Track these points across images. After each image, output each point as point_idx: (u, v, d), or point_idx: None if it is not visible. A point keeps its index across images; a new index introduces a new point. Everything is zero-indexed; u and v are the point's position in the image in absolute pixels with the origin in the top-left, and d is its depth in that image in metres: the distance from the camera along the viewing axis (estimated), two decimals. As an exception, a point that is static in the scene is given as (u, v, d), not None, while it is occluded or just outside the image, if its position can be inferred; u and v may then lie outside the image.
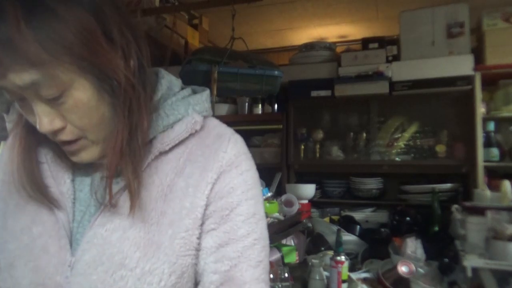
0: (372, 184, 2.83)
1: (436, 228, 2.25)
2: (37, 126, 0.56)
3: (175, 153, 0.64)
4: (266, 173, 1.76)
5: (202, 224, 0.62)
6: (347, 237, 2.03)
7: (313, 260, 1.55)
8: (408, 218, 2.35)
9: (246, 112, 3.24)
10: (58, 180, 0.64)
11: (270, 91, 2.18)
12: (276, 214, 1.75)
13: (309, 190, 2.45)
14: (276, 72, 2.11)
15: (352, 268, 1.65)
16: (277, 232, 1.66)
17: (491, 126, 2.51)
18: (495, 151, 2.48)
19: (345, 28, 3.78)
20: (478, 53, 2.57)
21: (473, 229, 1.71)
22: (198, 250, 0.62)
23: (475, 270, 1.58)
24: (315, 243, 1.93)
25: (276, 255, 1.59)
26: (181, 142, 0.64)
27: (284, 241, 1.75)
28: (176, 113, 0.64)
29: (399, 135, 2.80)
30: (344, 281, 1.47)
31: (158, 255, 0.58)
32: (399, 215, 2.40)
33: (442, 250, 1.80)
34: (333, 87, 2.80)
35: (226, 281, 0.60)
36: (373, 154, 2.82)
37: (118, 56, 0.56)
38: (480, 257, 1.59)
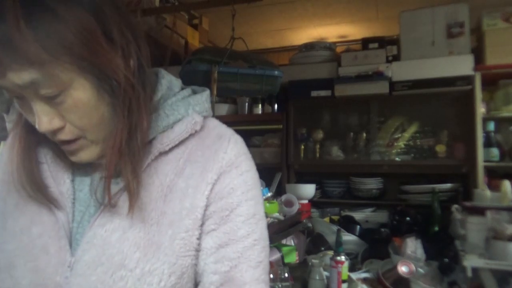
0: (372, 184, 2.83)
1: (436, 228, 2.25)
2: (36, 126, 0.56)
3: (175, 154, 0.64)
4: (266, 173, 1.76)
5: (202, 225, 0.62)
6: (347, 237, 2.03)
7: (313, 260, 1.55)
8: (408, 218, 2.35)
9: (246, 112, 3.24)
10: (58, 180, 0.64)
11: (270, 91, 2.18)
12: (276, 214, 1.75)
13: (309, 190, 2.45)
14: (276, 72, 2.11)
15: (352, 268, 1.65)
16: (277, 232, 1.66)
17: (491, 126, 2.51)
18: (495, 151, 2.48)
19: (345, 28, 3.78)
20: (478, 53, 2.57)
21: (473, 229, 1.71)
22: (198, 250, 0.62)
23: (475, 270, 1.58)
24: (315, 243, 1.93)
25: (276, 255, 1.59)
26: (181, 143, 0.64)
27: (284, 241, 1.75)
28: (176, 113, 0.64)
29: (399, 135, 2.80)
30: (344, 281, 1.47)
31: (158, 255, 0.58)
32: (399, 215, 2.40)
33: (442, 250, 1.80)
34: (333, 87, 2.80)
35: (226, 282, 0.60)
36: (373, 154, 2.82)
37: (118, 56, 0.56)
38: (480, 257, 1.59)
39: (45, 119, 0.55)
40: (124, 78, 0.56)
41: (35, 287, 0.59)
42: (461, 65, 2.52)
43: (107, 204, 0.59)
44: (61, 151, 0.62)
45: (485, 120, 2.51)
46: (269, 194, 1.85)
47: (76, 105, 0.55)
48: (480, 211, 1.75)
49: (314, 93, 2.89)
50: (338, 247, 1.52)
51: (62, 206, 0.62)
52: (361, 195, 2.85)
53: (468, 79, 2.51)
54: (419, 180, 2.68)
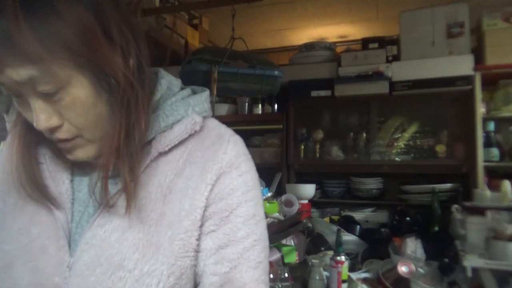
0: (372, 184, 2.83)
1: (436, 228, 2.25)
2: (34, 123, 0.55)
3: (174, 154, 0.63)
4: (266, 173, 1.76)
5: (201, 226, 0.62)
6: (347, 237, 2.03)
7: (313, 260, 1.55)
8: (408, 218, 2.35)
9: (246, 112, 3.24)
10: (57, 180, 0.64)
11: (270, 91, 2.18)
12: (276, 214, 1.75)
13: (309, 190, 2.45)
14: (276, 72, 2.11)
15: (352, 268, 1.65)
16: (277, 232, 1.66)
17: (491, 126, 2.51)
18: (495, 151, 2.48)
19: (345, 28, 3.78)
20: (478, 53, 2.57)
21: (473, 229, 1.71)
22: (197, 251, 0.62)
23: (475, 270, 1.58)
24: (315, 243, 1.93)
25: (276, 255, 1.59)
26: (180, 143, 0.64)
27: (284, 241, 1.75)
28: (176, 113, 0.64)
29: (399, 135, 2.80)
30: (344, 281, 1.47)
31: (157, 256, 0.58)
32: (399, 215, 2.40)
33: (442, 250, 1.80)
34: (333, 87, 2.80)
35: (226, 283, 0.60)
36: (373, 154, 2.82)
37: (117, 55, 0.56)
38: (480, 257, 1.59)
39: (43, 117, 0.55)
40: (123, 77, 0.56)
41: None
42: (461, 65, 2.52)
43: (105, 205, 0.59)
44: (60, 151, 0.62)
45: (485, 120, 2.51)
46: (269, 194, 1.85)
47: (74, 103, 0.55)
48: (480, 211, 1.75)
49: (314, 93, 2.89)
50: (338, 247, 1.52)
51: (61, 206, 0.62)
52: (361, 195, 2.85)
53: (468, 79, 2.51)
54: (419, 180, 2.68)
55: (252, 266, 0.62)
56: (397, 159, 2.77)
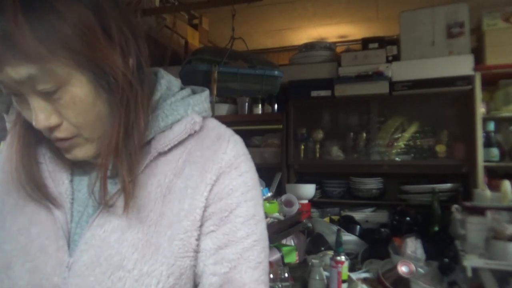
0: (372, 184, 2.83)
1: (436, 228, 2.25)
2: (33, 122, 0.55)
3: (174, 154, 0.63)
4: (266, 173, 1.76)
5: (201, 226, 0.62)
6: (347, 237, 2.03)
7: (313, 260, 1.55)
8: (408, 218, 2.35)
9: (246, 112, 3.24)
10: (56, 180, 0.63)
11: (270, 91, 2.18)
12: (276, 214, 1.75)
13: (309, 190, 2.45)
14: (276, 72, 2.11)
15: (352, 268, 1.65)
16: (277, 232, 1.66)
17: (491, 126, 2.51)
18: (495, 151, 2.48)
19: (345, 28, 3.78)
20: (478, 53, 2.57)
21: (473, 229, 1.71)
22: (196, 251, 0.62)
23: (475, 270, 1.58)
24: (315, 243, 1.93)
25: (276, 255, 1.59)
26: (180, 143, 0.63)
27: (284, 241, 1.75)
28: (176, 113, 0.64)
29: (399, 135, 2.80)
30: (344, 281, 1.47)
31: (156, 256, 0.58)
32: (399, 215, 2.40)
33: (442, 250, 1.80)
34: (333, 87, 2.79)
35: (226, 283, 0.60)
36: (373, 154, 2.82)
37: (117, 53, 0.56)
38: (480, 257, 1.59)
39: (42, 116, 0.55)
40: (122, 76, 0.56)
41: None
42: (461, 65, 2.52)
43: (105, 205, 0.59)
44: (59, 150, 0.62)
45: (485, 120, 2.51)
46: (269, 194, 1.85)
47: (74, 102, 0.55)
48: (480, 211, 1.75)
49: (314, 93, 2.89)
50: (338, 247, 1.51)
51: (60, 206, 0.62)
52: (361, 195, 2.85)
53: (468, 79, 2.51)
54: (419, 180, 2.68)
55: (252, 266, 0.62)
56: (397, 159, 2.77)
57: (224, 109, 3.26)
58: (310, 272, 1.53)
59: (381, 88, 2.67)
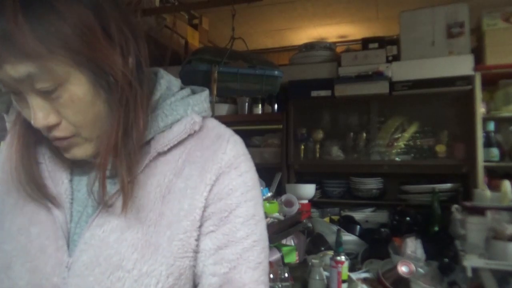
0: (372, 184, 2.83)
1: (436, 228, 2.25)
2: (32, 121, 0.55)
3: (173, 154, 0.63)
4: (266, 173, 1.76)
5: (200, 226, 0.61)
6: (347, 237, 2.03)
7: (313, 260, 1.55)
8: (408, 218, 2.35)
9: (246, 112, 3.24)
10: (56, 180, 0.63)
11: (270, 91, 2.18)
12: (276, 214, 1.75)
13: (309, 190, 2.45)
14: (276, 72, 2.11)
15: (352, 268, 1.65)
16: (277, 232, 1.66)
17: (491, 126, 2.50)
18: (495, 151, 2.48)
19: (345, 28, 3.78)
20: (478, 53, 2.57)
21: (473, 229, 1.71)
22: (196, 252, 0.61)
23: (475, 270, 1.58)
24: (315, 243, 1.93)
25: (276, 255, 1.58)
26: (179, 143, 0.63)
27: (284, 241, 1.75)
28: (175, 113, 0.64)
29: (399, 135, 2.80)
30: (344, 281, 1.47)
31: (155, 257, 0.58)
32: (399, 215, 2.40)
33: (442, 250, 1.80)
34: (333, 87, 2.80)
35: (225, 283, 0.60)
36: (373, 154, 2.82)
37: (116, 53, 0.56)
38: (480, 257, 1.59)
39: (40, 115, 0.55)
40: (121, 76, 0.56)
41: None
42: (461, 65, 2.52)
43: (104, 204, 0.59)
44: (58, 150, 0.62)
45: (485, 120, 2.51)
46: (269, 194, 1.85)
47: (72, 100, 0.55)
48: (480, 211, 1.75)
49: (314, 93, 2.89)
50: (338, 247, 1.51)
51: (60, 206, 0.62)
52: (361, 195, 2.85)
53: (468, 79, 2.51)
54: (419, 180, 2.68)
55: (252, 266, 0.62)
56: (397, 159, 2.77)
57: (224, 109, 3.26)
58: (310, 272, 1.53)
59: (381, 88, 2.67)
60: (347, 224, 2.28)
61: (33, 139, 0.64)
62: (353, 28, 3.75)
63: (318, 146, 2.97)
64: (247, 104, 3.23)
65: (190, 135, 0.64)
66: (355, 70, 2.76)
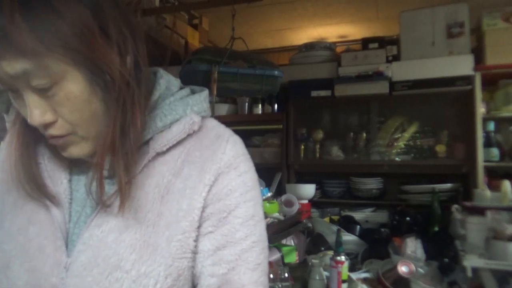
0: (372, 184, 2.83)
1: (436, 228, 2.24)
2: (28, 119, 0.55)
3: (172, 154, 0.63)
4: (266, 173, 1.76)
5: (199, 227, 0.61)
6: (347, 237, 2.03)
7: (313, 260, 1.55)
8: (408, 218, 2.35)
9: (246, 112, 3.24)
10: (55, 180, 0.63)
11: (270, 91, 2.18)
12: (276, 214, 1.75)
13: (309, 190, 2.45)
14: (276, 72, 2.11)
15: (352, 268, 1.65)
16: (277, 232, 1.66)
17: (491, 126, 2.50)
18: (495, 151, 2.48)
19: (345, 28, 3.78)
20: (478, 53, 2.57)
21: (473, 229, 1.71)
22: (194, 252, 0.61)
23: (475, 270, 1.58)
24: (315, 243, 1.93)
25: (276, 255, 1.58)
26: (178, 143, 0.63)
27: (284, 241, 1.75)
28: (174, 113, 0.64)
29: (399, 135, 2.80)
30: (344, 281, 1.47)
31: (154, 257, 0.58)
32: (399, 215, 2.40)
33: (442, 250, 1.80)
34: (333, 87, 2.79)
35: (224, 284, 0.60)
36: (373, 154, 2.82)
37: (114, 52, 0.56)
38: (480, 257, 1.59)
39: (37, 112, 0.55)
40: (119, 75, 0.56)
41: None
42: (461, 65, 2.52)
43: (102, 204, 0.58)
44: (56, 148, 0.62)
45: (485, 120, 2.51)
46: (269, 194, 1.85)
47: (68, 98, 0.55)
48: (480, 211, 1.75)
49: (314, 93, 2.89)
50: (338, 247, 1.51)
51: (59, 206, 0.62)
52: (361, 195, 2.85)
53: (468, 79, 2.51)
54: (419, 180, 2.68)
55: (251, 267, 0.61)
56: (397, 159, 2.77)
57: (224, 109, 3.26)
58: (310, 272, 1.53)
59: (381, 88, 2.67)
60: (347, 224, 2.27)
61: (33, 138, 0.64)
62: (353, 28, 3.75)
63: (318, 146, 2.97)
64: (247, 104, 3.23)
65: (189, 135, 0.64)
66: (355, 70, 2.76)
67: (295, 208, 1.98)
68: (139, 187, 0.60)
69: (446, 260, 1.71)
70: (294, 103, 3.02)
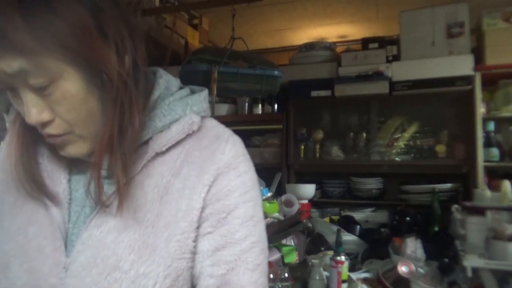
0: (372, 184, 2.83)
1: (436, 228, 2.24)
2: (25, 118, 0.55)
3: (171, 154, 0.63)
4: (266, 173, 1.76)
5: (198, 227, 0.61)
6: (347, 237, 2.03)
7: (313, 260, 1.55)
8: (408, 218, 2.35)
9: (246, 112, 3.24)
10: (55, 180, 0.63)
11: (270, 91, 2.18)
12: (276, 214, 1.75)
13: (309, 190, 2.45)
14: (276, 72, 2.11)
15: (352, 268, 1.65)
16: (277, 232, 1.66)
17: (491, 126, 2.50)
18: (495, 151, 2.48)
19: (345, 28, 3.78)
20: (478, 53, 2.57)
21: (473, 229, 1.71)
22: (193, 253, 0.61)
23: (475, 270, 1.58)
24: (315, 243, 1.93)
25: (276, 255, 1.58)
26: (178, 143, 0.63)
27: (284, 241, 1.75)
28: (174, 113, 0.64)
29: (399, 135, 2.80)
30: (344, 281, 1.47)
31: (153, 257, 0.58)
32: (399, 215, 2.40)
33: (442, 250, 1.80)
34: (333, 87, 2.79)
35: (223, 285, 0.60)
36: (373, 154, 2.82)
37: (112, 52, 0.56)
38: (480, 257, 1.59)
39: (34, 111, 0.55)
40: (116, 75, 0.56)
41: None
42: (461, 65, 2.52)
43: (101, 204, 0.58)
44: (54, 147, 0.62)
45: (485, 120, 2.51)
46: (269, 194, 1.85)
47: (65, 97, 0.55)
48: (480, 211, 1.75)
49: (314, 93, 2.89)
50: (338, 247, 1.51)
51: (58, 206, 0.62)
52: (361, 195, 2.85)
53: (468, 79, 2.51)
54: (419, 180, 2.68)
55: (250, 268, 0.61)
56: (397, 159, 2.77)
57: (224, 109, 3.26)
58: (310, 272, 1.53)
59: (381, 88, 2.67)
60: (347, 224, 2.28)
61: (33, 138, 0.63)
62: (353, 28, 3.75)
63: (318, 146, 2.97)
64: (247, 104, 3.23)
65: (188, 135, 0.64)
66: (355, 70, 2.76)
67: (295, 208, 1.98)
68: (138, 187, 0.60)
69: (446, 260, 1.71)
70: (294, 103, 3.02)
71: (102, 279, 0.56)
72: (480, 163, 2.47)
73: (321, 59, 3.03)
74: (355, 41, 3.60)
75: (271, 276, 1.37)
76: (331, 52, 3.08)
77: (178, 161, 0.62)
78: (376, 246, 1.92)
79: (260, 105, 3.19)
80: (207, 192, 0.61)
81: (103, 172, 0.59)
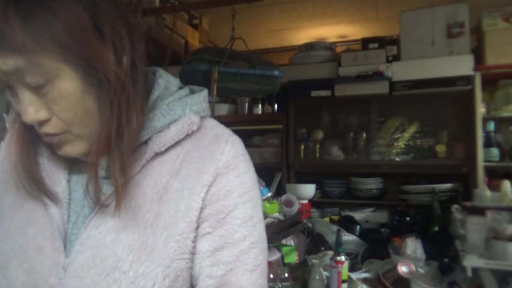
0: (372, 184, 2.83)
1: (436, 228, 2.24)
2: (22, 116, 0.55)
3: (171, 154, 0.63)
4: (266, 173, 1.76)
5: (197, 228, 0.61)
6: (347, 237, 2.03)
7: (313, 260, 1.55)
8: (408, 218, 2.35)
9: (246, 112, 3.24)
10: (54, 180, 0.63)
11: (270, 91, 2.18)
12: (276, 214, 1.75)
13: (309, 190, 2.45)
14: (276, 72, 2.11)
15: (352, 268, 1.65)
16: (277, 232, 1.66)
17: (491, 126, 2.50)
18: (495, 151, 2.48)
19: (345, 28, 3.78)
20: (478, 53, 2.57)
21: (473, 229, 1.71)
22: (193, 253, 0.61)
23: (475, 270, 1.58)
24: (315, 243, 1.93)
25: (276, 255, 1.58)
26: (177, 143, 0.63)
27: (284, 241, 1.75)
28: (173, 113, 0.63)
29: (399, 135, 2.80)
30: (344, 281, 1.47)
31: (152, 258, 0.57)
32: (399, 215, 2.40)
33: (442, 250, 1.80)
34: (333, 87, 2.79)
35: (222, 286, 0.59)
36: (373, 154, 2.82)
37: (109, 51, 0.56)
38: (480, 257, 1.59)
39: (31, 109, 0.55)
40: (113, 74, 0.56)
41: None
42: (461, 65, 2.52)
43: (100, 205, 0.58)
44: (52, 147, 0.62)
45: (485, 120, 2.51)
46: (269, 194, 1.85)
47: (62, 96, 0.55)
48: (480, 211, 1.75)
49: (314, 93, 2.89)
50: (338, 247, 1.51)
51: (57, 206, 0.62)
52: (361, 195, 2.85)
53: (468, 79, 2.51)
54: (419, 180, 2.68)
55: (249, 269, 0.61)
56: (397, 159, 2.77)
57: (224, 109, 3.26)
58: (310, 272, 1.53)
59: (381, 88, 2.67)
60: (347, 224, 2.27)
61: (32, 138, 0.63)
62: (353, 28, 3.75)
63: (318, 146, 2.97)
64: (247, 104, 3.23)
65: (188, 135, 0.63)
66: (355, 70, 2.76)
67: (295, 208, 1.98)
68: (137, 188, 0.60)
69: (446, 260, 1.71)
70: (294, 103, 3.02)
71: (101, 280, 0.56)
72: (480, 163, 2.47)
73: (321, 59, 3.03)
74: (355, 41, 3.60)
75: (271, 276, 1.37)
76: (331, 52, 3.08)
77: (178, 161, 0.62)
78: (376, 246, 1.92)
79: (260, 105, 3.19)
80: (206, 193, 0.61)
81: (102, 172, 0.59)
